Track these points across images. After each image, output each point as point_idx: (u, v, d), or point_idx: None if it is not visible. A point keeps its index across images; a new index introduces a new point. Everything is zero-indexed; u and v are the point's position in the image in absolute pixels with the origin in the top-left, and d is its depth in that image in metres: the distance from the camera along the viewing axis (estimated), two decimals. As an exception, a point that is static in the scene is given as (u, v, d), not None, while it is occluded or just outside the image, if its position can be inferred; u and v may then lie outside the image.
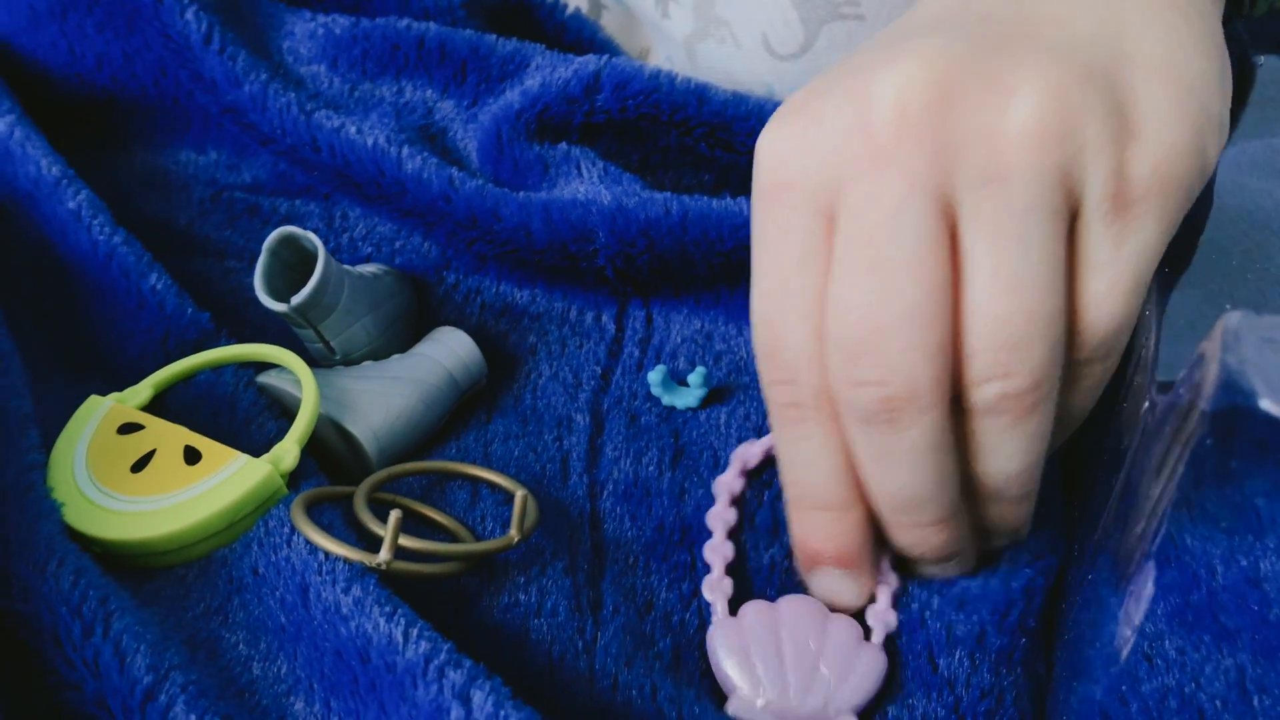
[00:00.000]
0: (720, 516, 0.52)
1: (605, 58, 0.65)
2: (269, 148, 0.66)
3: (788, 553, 0.52)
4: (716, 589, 0.49)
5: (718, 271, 0.61)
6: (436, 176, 0.61)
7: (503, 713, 0.38)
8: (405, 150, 0.62)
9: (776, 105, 0.64)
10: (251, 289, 0.64)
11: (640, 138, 0.66)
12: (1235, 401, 0.33)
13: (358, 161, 0.62)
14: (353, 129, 0.63)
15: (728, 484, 0.53)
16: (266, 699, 0.43)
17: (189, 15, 0.65)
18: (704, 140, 0.66)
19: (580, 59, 0.65)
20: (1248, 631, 0.44)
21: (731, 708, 0.45)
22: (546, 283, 0.64)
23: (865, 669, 0.46)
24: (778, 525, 0.53)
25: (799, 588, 0.50)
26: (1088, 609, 0.45)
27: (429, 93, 0.68)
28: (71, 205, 0.60)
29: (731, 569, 0.51)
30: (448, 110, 0.68)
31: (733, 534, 0.52)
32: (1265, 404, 0.32)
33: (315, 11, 0.73)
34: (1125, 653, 0.41)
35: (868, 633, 0.48)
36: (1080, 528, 0.50)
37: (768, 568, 0.51)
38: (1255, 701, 0.42)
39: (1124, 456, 0.43)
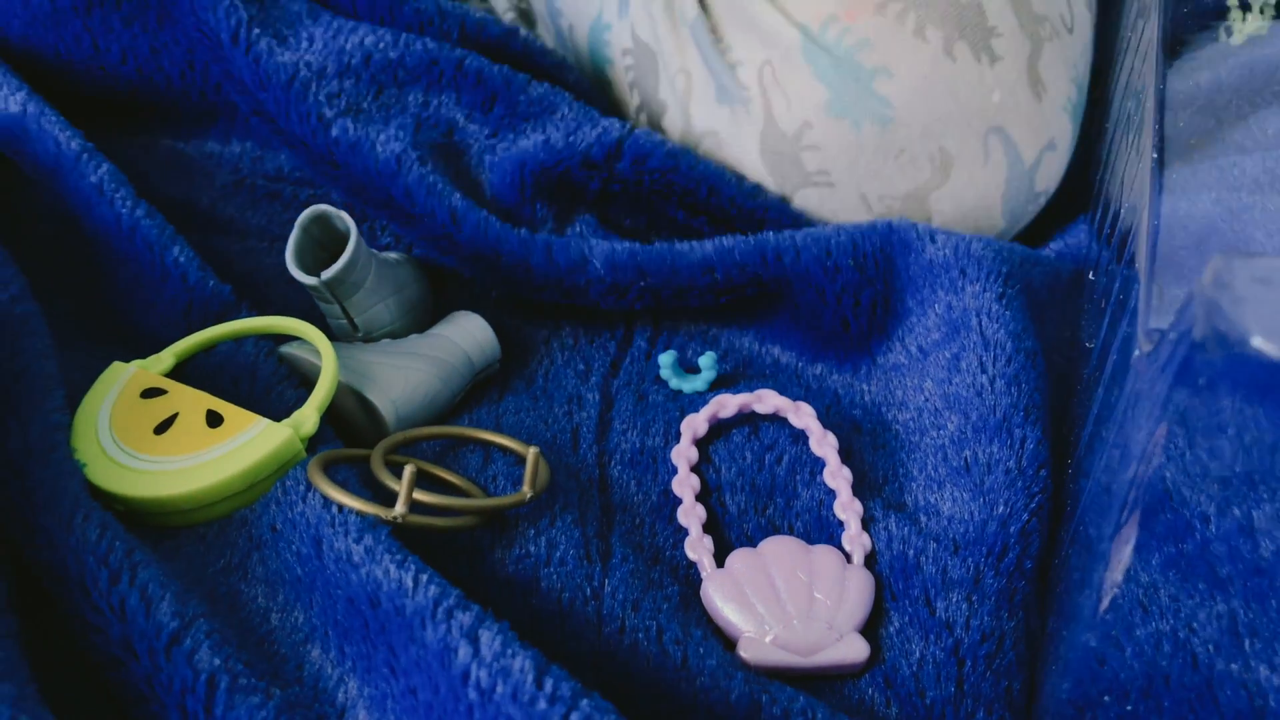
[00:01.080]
0: (685, 482, 0.54)
1: (628, 127, 0.66)
2: (291, 152, 0.68)
3: (755, 496, 0.54)
4: (698, 547, 0.51)
5: (709, 298, 0.63)
6: (439, 207, 0.62)
7: (510, 650, 0.39)
8: (415, 173, 0.63)
9: (783, 205, 0.67)
10: (272, 268, 0.66)
11: (649, 207, 0.68)
12: (1227, 340, 0.34)
13: (370, 184, 0.64)
14: (370, 138, 0.64)
15: (684, 453, 0.55)
16: (285, 647, 0.45)
17: (220, 11, 0.66)
18: (706, 225, 0.68)
19: (606, 122, 0.66)
20: (1240, 578, 0.44)
21: (743, 650, 0.46)
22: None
23: (856, 588, 0.48)
24: (739, 477, 0.55)
25: (773, 529, 0.53)
26: (1081, 557, 0.46)
27: (454, 113, 0.69)
28: (93, 179, 0.62)
29: (709, 527, 0.53)
30: (468, 135, 0.69)
31: (700, 497, 0.54)
32: (1257, 342, 0.33)
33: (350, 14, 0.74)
34: (1107, 602, 0.42)
35: (849, 558, 0.50)
36: (1074, 482, 0.51)
37: (738, 516, 0.53)
38: (1247, 645, 0.43)
39: (1116, 407, 0.44)
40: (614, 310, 0.64)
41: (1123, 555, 0.41)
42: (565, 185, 0.67)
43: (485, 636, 0.39)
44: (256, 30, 0.67)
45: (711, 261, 0.61)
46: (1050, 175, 0.69)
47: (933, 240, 0.60)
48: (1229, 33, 0.63)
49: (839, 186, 0.66)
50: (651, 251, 0.61)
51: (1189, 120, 0.59)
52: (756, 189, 0.67)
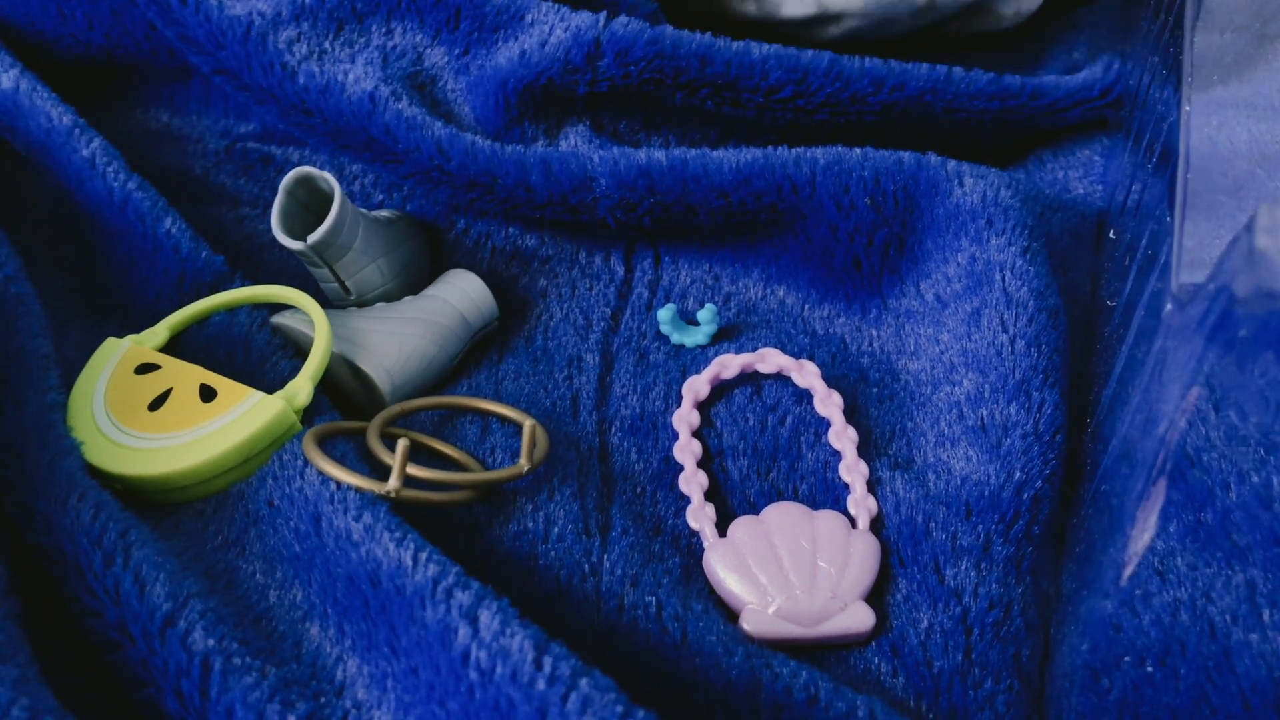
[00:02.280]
0: (686, 449, 0.53)
1: (602, 18, 0.63)
2: (264, 107, 0.66)
3: (758, 460, 0.53)
4: (700, 516, 0.50)
5: (719, 219, 0.61)
6: (424, 141, 0.61)
7: (509, 630, 0.38)
8: (391, 110, 0.61)
9: (780, 58, 0.64)
10: (266, 235, 0.65)
11: (645, 101, 0.66)
12: (1271, 289, 0.32)
13: (347, 128, 0.62)
14: (339, 79, 0.62)
15: (685, 417, 0.54)
16: (283, 625, 0.44)
17: None
18: (710, 99, 0.65)
19: (577, 17, 0.63)
20: (1259, 548, 0.44)
21: (745, 622, 0.46)
22: (554, 228, 0.64)
23: (861, 555, 0.48)
24: (741, 441, 0.54)
25: (777, 494, 0.52)
26: (1101, 521, 0.45)
27: (419, 37, 0.67)
28: (85, 153, 0.61)
29: (711, 494, 0.52)
30: (438, 58, 0.67)
31: (702, 463, 0.53)
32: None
33: None
34: (1130, 570, 0.41)
35: (854, 523, 0.49)
36: (1094, 442, 0.50)
37: (741, 482, 0.52)
38: (1266, 615, 0.42)
39: (1142, 366, 0.43)
40: (620, 226, 0.62)
41: (1148, 522, 0.41)
42: (551, 96, 0.64)
43: (484, 616, 0.39)
44: None
45: (725, 186, 0.59)
46: None
47: (960, 184, 0.58)
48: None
49: None
50: (661, 166, 0.59)
51: (1230, 39, 0.56)
52: (746, 47, 0.64)
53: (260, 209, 0.67)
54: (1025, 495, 0.47)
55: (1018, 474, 0.48)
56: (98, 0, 0.68)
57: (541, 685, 0.37)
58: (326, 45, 0.66)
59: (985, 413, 0.51)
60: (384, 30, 0.67)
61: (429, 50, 0.67)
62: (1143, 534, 0.41)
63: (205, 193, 0.68)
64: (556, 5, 0.65)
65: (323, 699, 0.42)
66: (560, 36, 0.63)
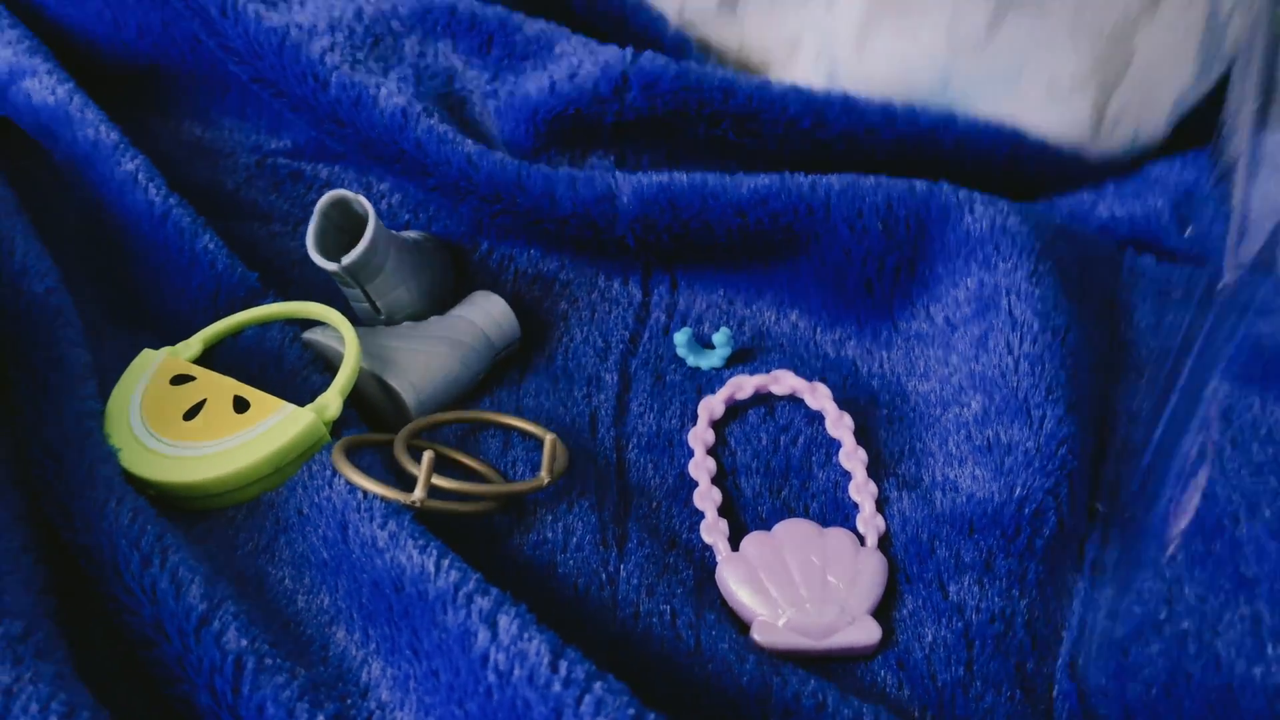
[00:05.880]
0: (701, 465, 0.55)
1: (629, 53, 0.66)
2: (299, 115, 0.69)
3: (770, 478, 0.55)
4: (714, 530, 0.52)
5: (737, 241, 0.63)
6: (454, 155, 0.63)
7: (527, 635, 0.40)
8: (423, 125, 0.63)
9: (798, 93, 0.66)
10: (296, 251, 0.67)
11: (670, 131, 0.68)
12: None
13: (378, 139, 0.64)
14: (372, 93, 0.64)
15: (700, 435, 0.56)
16: (310, 629, 0.46)
17: None
18: (731, 129, 0.67)
19: (605, 51, 0.66)
20: (1267, 581, 0.45)
21: (756, 634, 0.47)
22: (574, 251, 0.66)
23: (869, 572, 0.49)
24: (754, 459, 0.56)
25: (788, 511, 0.53)
26: (1123, 538, 0.46)
27: (453, 59, 0.70)
28: (129, 167, 0.63)
29: (724, 510, 0.53)
30: (469, 81, 0.70)
31: (716, 480, 0.55)
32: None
33: None
34: (1172, 548, 0.43)
35: (862, 540, 0.51)
36: (1122, 464, 0.51)
37: (753, 498, 0.54)
38: (1269, 649, 0.43)
39: (1188, 346, 0.44)
40: (639, 247, 0.64)
41: (1191, 503, 0.42)
42: (578, 125, 0.67)
43: (504, 621, 0.41)
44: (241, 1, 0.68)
45: (743, 205, 0.61)
46: (1235, 38, 0.66)
47: (971, 210, 0.60)
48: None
49: (1050, 13, 0.64)
50: (681, 184, 0.61)
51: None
52: (766, 81, 0.66)
53: (290, 226, 0.69)
54: (1026, 510, 0.49)
55: (1019, 490, 0.49)
56: (150, 10, 0.71)
57: (557, 687, 0.39)
58: (361, 57, 0.68)
59: (991, 432, 0.52)
60: (418, 50, 0.69)
61: (460, 73, 0.69)
62: (1190, 504, 0.43)
63: (237, 209, 0.71)
64: (585, 38, 0.68)
65: (348, 700, 0.43)
66: (589, 70, 0.65)
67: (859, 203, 0.60)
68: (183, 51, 0.73)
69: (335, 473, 0.49)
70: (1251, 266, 0.38)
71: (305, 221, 0.68)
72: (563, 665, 0.39)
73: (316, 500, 0.49)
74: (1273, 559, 0.46)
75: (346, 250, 0.59)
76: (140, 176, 0.63)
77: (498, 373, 0.62)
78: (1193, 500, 0.45)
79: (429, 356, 0.58)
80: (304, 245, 0.64)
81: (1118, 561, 0.48)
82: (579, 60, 0.67)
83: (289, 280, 0.66)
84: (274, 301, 0.60)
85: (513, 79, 0.69)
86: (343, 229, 0.61)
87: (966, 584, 0.48)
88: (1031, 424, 0.51)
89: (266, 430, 0.51)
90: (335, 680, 0.44)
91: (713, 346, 0.62)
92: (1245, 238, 0.41)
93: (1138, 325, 0.61)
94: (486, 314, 0.61)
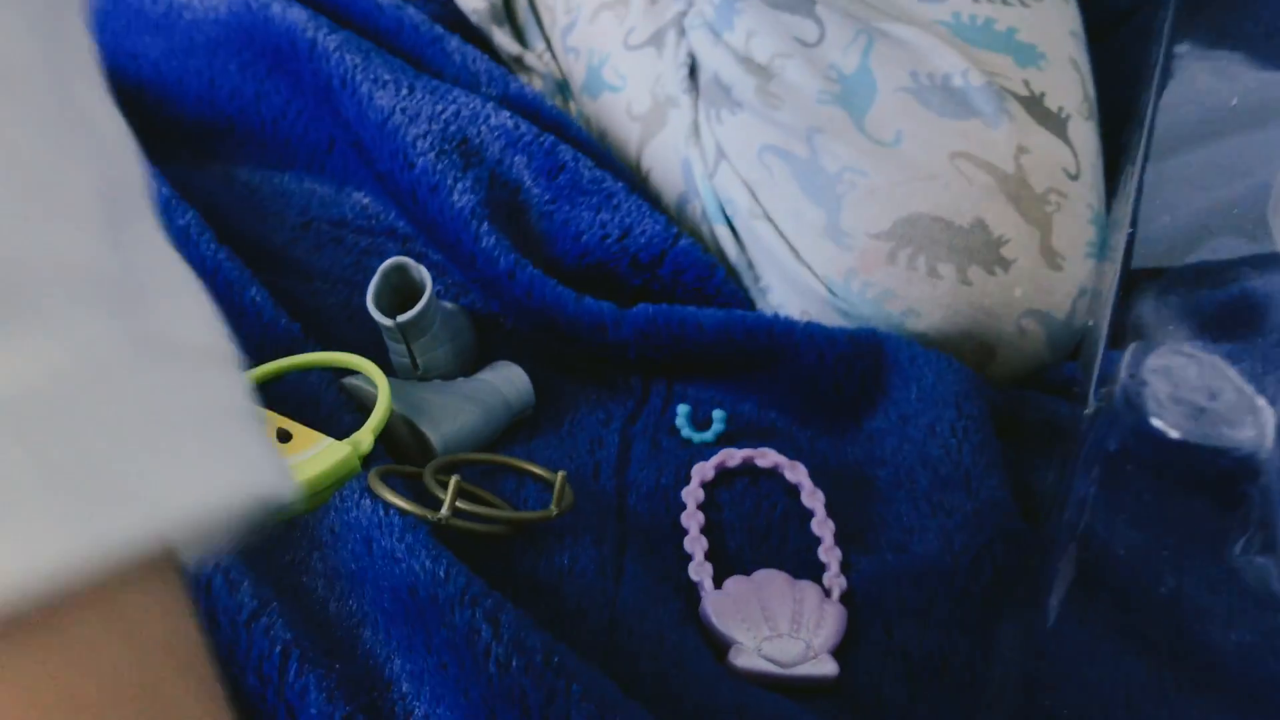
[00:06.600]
0: (692, 517, 0.62)
1: (674, 235, 0.73)
2: (381, 182, 0.76)
3: (751, 536, 0.62)
4: (701, 570, 0.59)
5: (730, 361, 0.70)
6: (504, 259, 0.71)
7: (524, 632, 0.46)
8: (485, 227, 0.71)
9: (814, 331, 0.70)
10: (334, 307, 0.75)
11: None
12: (1136, 419, 0.41)
13: (443, 226, 0.72)
14: (448, 186, 0.73)
15: (693, 492, 0.63)
16: (341, 631, 0.52)
17: (333, 62, 0.76)
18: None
19: (656, 224, 0.73)
20: (1167, 645, 0.51)
21: (734, 657, 0.54)
22: (584, 345, 0.73)
23: (831, 618, 0.56)
24: (739, 519, 0.63)
25: (766, 564, 0.60)
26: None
27: (524, 175, 0.77)
28: (181, 222, 0.70)
29: (710, 556, 0.60)
30: (532, 196, 0.77)
31: (704, 531, 0.61)
32: (1155, 423, 0.40)
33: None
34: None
35: (828, 593, 0.58)
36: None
37: (736, 551, 0.61)
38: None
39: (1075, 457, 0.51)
40: (638, 358, 0.71)
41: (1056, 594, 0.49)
42: (613, 277, 0.75)
43: (504, 620, 0.47)
44: (359, 76, 0.76)
45: (730, 332, 0.69)
46: (1086, 310, 0.71)
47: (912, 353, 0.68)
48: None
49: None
50: (674, 315, 0.69)
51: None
52: (776, 317, 0.72)
53: (330, 284, 0.76)
54: (963, 559, 0.56)
55: (957, 544, 0.56)
56: (247, 81, 0.80)
57: (550, 676, 0.45)
58: (447, 149, 0.75)
59: (936, 500, 0.60)
60: (497, 158, 0.77)
61: (527, 188, 0.77)
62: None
63: (282, 265, 0.77)
64: (640, 200, 0.75)
65: (375, 692, 0.49)
66: (637, 236, 0.73)
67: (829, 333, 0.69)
68: (264, 122, 0.80)
69: (362, 495, 0.56)
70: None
71: (344, 282, 0.76)
72: (555, 658, 0.45)
73: (345, 520, 0.55)
74: (1175, 627, 0.51)
75: (398, 309, 0.66)
76: (192, 231, 0.70)
77: (510, 433, 0.68)
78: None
79: (456, 410, 0.64)
80: (342, 301, 0.72)
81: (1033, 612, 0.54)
82: (632, 220, 0.74)
83: (327, 333, 0.72)
84: (314, 350, 0.66)
85: (568, 208, 0.76)
86: (398, 290, 0.68)
87: (909, 628, 0.54)
88: (971, 493, 0.59)
89: (307, 459, 0.57)
90: (364, 675, 0.50)
91: (708, 425, 0.69)
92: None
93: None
94: (507, 379, 0.68)
